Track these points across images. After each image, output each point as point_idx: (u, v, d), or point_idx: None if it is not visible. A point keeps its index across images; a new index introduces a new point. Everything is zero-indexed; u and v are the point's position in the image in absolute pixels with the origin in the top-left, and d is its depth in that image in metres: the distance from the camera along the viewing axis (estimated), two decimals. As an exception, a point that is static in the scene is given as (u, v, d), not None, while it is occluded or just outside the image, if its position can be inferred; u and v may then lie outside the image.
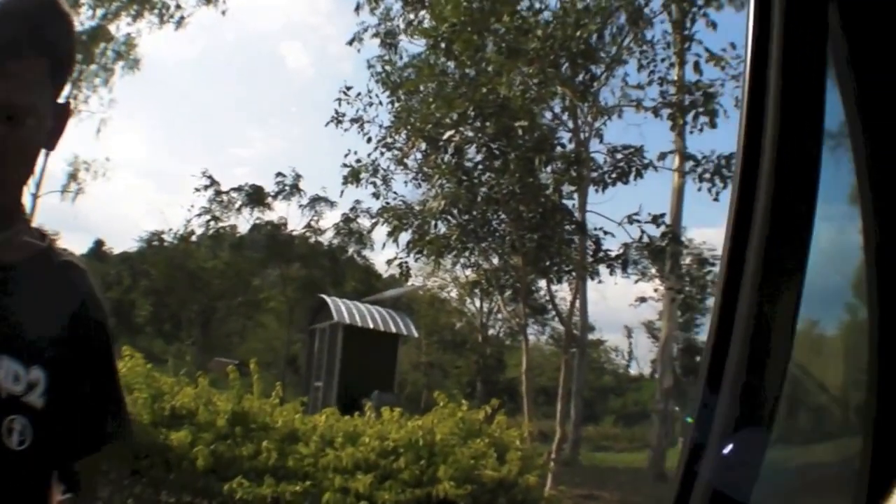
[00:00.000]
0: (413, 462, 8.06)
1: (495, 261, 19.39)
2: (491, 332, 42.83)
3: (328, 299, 30.03)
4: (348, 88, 20.43)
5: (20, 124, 1.83)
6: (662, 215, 18.32)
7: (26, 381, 1.89)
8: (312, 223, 45.22)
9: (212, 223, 44.21)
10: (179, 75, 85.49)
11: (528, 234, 17.03)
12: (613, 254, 17.98)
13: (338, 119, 20.42)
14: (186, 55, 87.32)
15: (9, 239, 1.96)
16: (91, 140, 57.54)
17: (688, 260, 20.34)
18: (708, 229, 46.71)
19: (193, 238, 44.90)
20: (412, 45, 23.84)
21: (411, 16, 23.55)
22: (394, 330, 28.69)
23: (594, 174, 17.83)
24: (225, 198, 44.53)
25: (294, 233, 45.22)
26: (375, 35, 25.97)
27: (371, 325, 27.95)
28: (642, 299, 36.98)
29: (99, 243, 66.31)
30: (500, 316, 40.52)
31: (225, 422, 8.03)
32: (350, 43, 27.64)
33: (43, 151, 2.00)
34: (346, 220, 45.21)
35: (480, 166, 17.87)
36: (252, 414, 8.29)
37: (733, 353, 1.30)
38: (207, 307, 43.14)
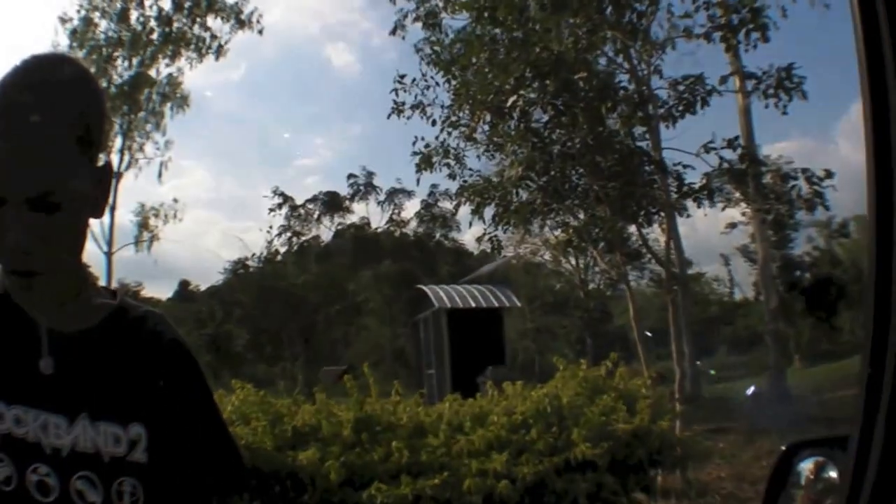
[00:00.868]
0: (545, 431, 7.97)
1: (581, 216, 19.22)
2: (591, 286, 42.48)
3: (426, 288, 30.13)
4: (402, 76, 20.40)
5: (60, 210, 1.78)
6: (737, 138, 18.18)
7: (127, 440, 1.87)
8: (394, 217, 45.49)
9: (294, 239, 44.62)
10: (229, 101, 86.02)
11: (610, 182, 16.85)
12: (697, 186, 17.84)
13: (398, 109, 20.37)
14: (232, 80, 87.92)
15: (78, 307, 1.94)
16: (154, 185, 58.28)
17: (768, 178, 20.00)
18: (781, 143, 46.10)
19: (279, 258, 45.20)
20: (455, 21, 23.66)
21: (447, -8, 23.42)
22: (496, 304, 28.67)
23: (661, 111, 17.71)
24: (302, 211, 45.03)
25: (378, 230, 45.50)
26: (416, 19, 25.82)
27: (473, 305, 27.96)
28: (732, 225, 36.44)
29: (184, 284, 66.99)
30: (596, 269, 40.17)
31: (350, 430, 8.01)
32: (393, 32, 27.40)
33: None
34: (427, 206, 45.46)
35: (549, 125, 17.76)
36: (375, 416, 8.25)
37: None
38: (307, 322, 43.23)
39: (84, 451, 1.82)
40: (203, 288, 62.48)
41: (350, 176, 44.35)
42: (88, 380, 1.88)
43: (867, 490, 1.20)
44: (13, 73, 1.82)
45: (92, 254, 28.41)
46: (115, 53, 35.19)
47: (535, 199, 17.97)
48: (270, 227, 44.54)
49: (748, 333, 44.93)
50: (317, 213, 44.83)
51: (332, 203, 44.56)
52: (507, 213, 18.11)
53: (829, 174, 17.90)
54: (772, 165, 20.66)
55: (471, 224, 29.48)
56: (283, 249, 45.03)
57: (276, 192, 43.95)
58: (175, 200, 41.90)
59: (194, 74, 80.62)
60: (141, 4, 35.58)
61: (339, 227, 45.65)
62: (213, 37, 36.45)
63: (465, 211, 19.75)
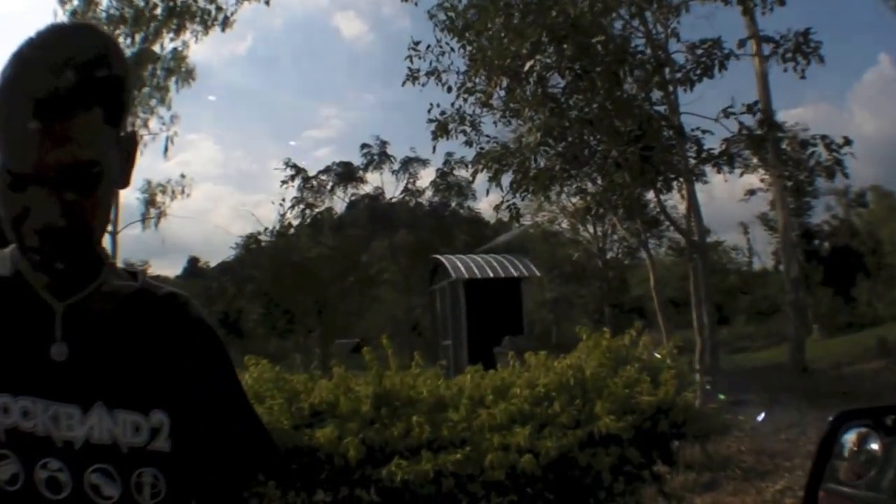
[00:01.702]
0: (568, 404, 7.76)
1: (600, 182, 19.00)
2: (609, 255, 42.32)
3: (443, 258, 30.09)
4: (417, 43, 20.11)
5: (98, 183, 1.71)
6: (756, 103, 17.98)
7: (149, 429, 1.79)
8: (409, 186, 45.20)
9: (307, 211, 44.37)
10: (237, 74, 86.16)
11: (629, 147, 16.62)
12: (716, 151, 17.66)
13: (413, 76, 20.11)
14: (239, 52, 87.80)
15: (98, 289, 1.86)
16: (161, 161, 58.15)
17: (785, 144, 19.78)
18: (798, 109, 45.96)
19: (291, 231, 44.95)
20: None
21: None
22: (514, 274, 28.63)
23: (678, 74, 17.48)
24: (314, 182, 44.69)
25: (393, 200, 45.26)
26: (429, -16, 25.52)
27: (491, 274, 27.93)
28: (751, 192, 36.43)
29: (193, 260, 67.27)
30: (615, 237, 40.05)
31: (369, 406, 7.80)
32: (404, -1, 27.21)
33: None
34: (443, 174, 45.09)
35: (566, 90, 17.53)
36: (395, 391, 8.04)
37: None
38: (320, 295, 42.91)
39: (100, 443, 1.74)
40: (213, 264, 62.67)
41: (363, 146, 44.00)
42: (106, 366, 1.80)
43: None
44: (38, 45, 1.69)
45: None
46: (117, 31, 34.52)
47: (555, 165, 17.77)
48: (283, 200, 44.22)
49: (767, 303, 44.76)
50: (330, 184, 44.55)
51: (345, 174, 44.30)
52: (526, 180, 17.88)
53: (848, 141, 17.61)
54: (789, 131, 20.42)
55: (487, 192, 29.30)
56: (296, 222, 44.72)
57: (289, 164, 43.65)
58: (182, 176, 41.72)
59: (201, 48, 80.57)
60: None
61: (353, 198, 45.38)
62: (219, 8, 35.94)
63: (481, 179, 19.52)
